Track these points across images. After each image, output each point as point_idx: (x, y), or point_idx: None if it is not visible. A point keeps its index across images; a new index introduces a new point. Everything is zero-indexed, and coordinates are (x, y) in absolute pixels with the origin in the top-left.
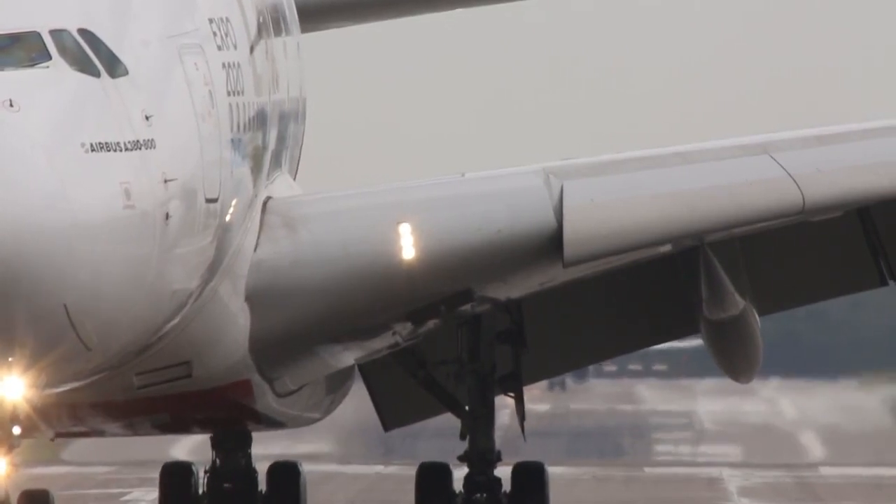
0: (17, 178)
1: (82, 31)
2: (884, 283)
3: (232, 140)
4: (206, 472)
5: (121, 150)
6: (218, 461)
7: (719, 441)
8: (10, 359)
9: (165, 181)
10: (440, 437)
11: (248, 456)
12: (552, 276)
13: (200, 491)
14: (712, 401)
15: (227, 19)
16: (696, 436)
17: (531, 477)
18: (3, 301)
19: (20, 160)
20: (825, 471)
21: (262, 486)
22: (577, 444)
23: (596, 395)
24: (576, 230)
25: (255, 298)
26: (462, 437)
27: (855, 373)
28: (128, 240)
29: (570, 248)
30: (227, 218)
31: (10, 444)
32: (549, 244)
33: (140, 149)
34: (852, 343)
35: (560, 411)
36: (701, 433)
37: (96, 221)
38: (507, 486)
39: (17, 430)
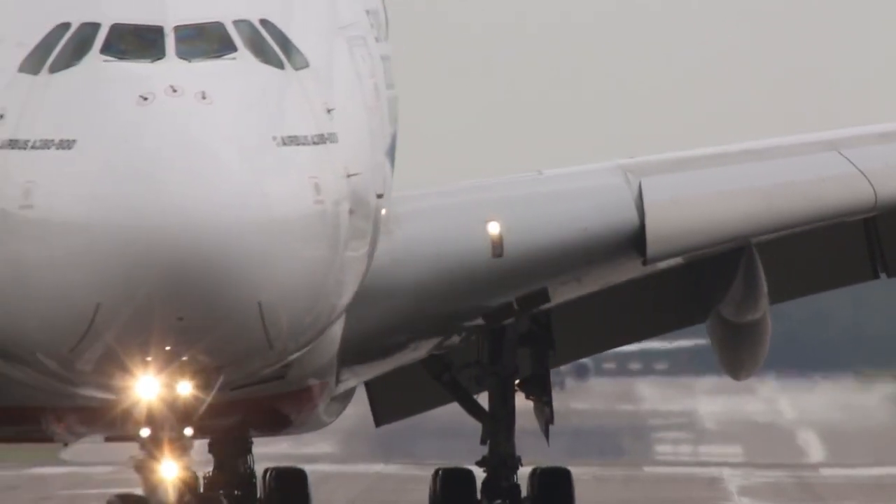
0: (211, 172)
1: (263, 22)
2: (875, 276)
3: (389, 134)
4: (204, 478)
5: (308, 144)
6: (217, 467)
7: (719, 441)
8: (191, 357)
9: (348, 176)
10: (440, 437)
11: (248, 462)
12: (625, 274)
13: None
14: (712, 400)
15: (377, 11)
16: (697, 435)
17: (557, 483)
18: (197, 297)
19: (214, 154)
20: (825, 471)
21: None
22: (577, 443)
23: (596, 394)
24: (658, 227)
25: (355, 297)
26: (483, 441)
27: (855, 372)
28: (318, 236)
29: (652, 245)
30: (382, 214)
31: (183, 446)
32: (630, 242)
33: (325, 143)
34: (852, 343)
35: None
36: (701, 433)
37: (290, 217)
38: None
39: (189, 432)
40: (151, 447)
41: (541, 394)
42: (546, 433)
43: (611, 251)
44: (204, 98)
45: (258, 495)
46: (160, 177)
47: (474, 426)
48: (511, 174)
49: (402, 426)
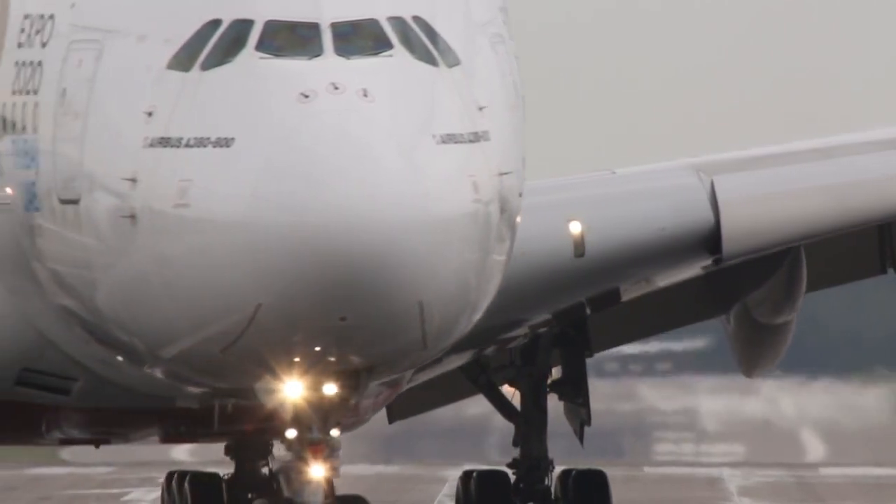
0: (374, 171)
1: (416, 19)
2: (883, 271)
3: (523, 134)
4: (225, 480)
5: (464, 142)
6: (237, 469)
7: (720, 440)
8: (347, 357)
9: (500, 174)
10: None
11: (270, 464)
12: (689, 272)
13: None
14: (713, 400)
15: (506, 9)
16: (697, 435)
17: (593, 486)
18: (362, 297)
19: (377, 152)
20: (825, 470)
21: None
22: (577, 443)
23: (596, 394)
24: (733, 225)
25: None
26: (515, 443)
27: (855, 372)
28: (474, 235)
29: (728, 244)
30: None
31: (331, 447)
32: (703, 240)
33: (479, 141)
34: (852, 343)
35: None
36: (701, 432)
37: (451, 216)
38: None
39: (336, 433)
40: (298, 449)
41: (575, 395)
42: (581, 435)
43: (684, 250)
44: (365, 96)
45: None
46: (323, 175)
47: (474, 427)
48: (584, 173)
49: (402, 426)
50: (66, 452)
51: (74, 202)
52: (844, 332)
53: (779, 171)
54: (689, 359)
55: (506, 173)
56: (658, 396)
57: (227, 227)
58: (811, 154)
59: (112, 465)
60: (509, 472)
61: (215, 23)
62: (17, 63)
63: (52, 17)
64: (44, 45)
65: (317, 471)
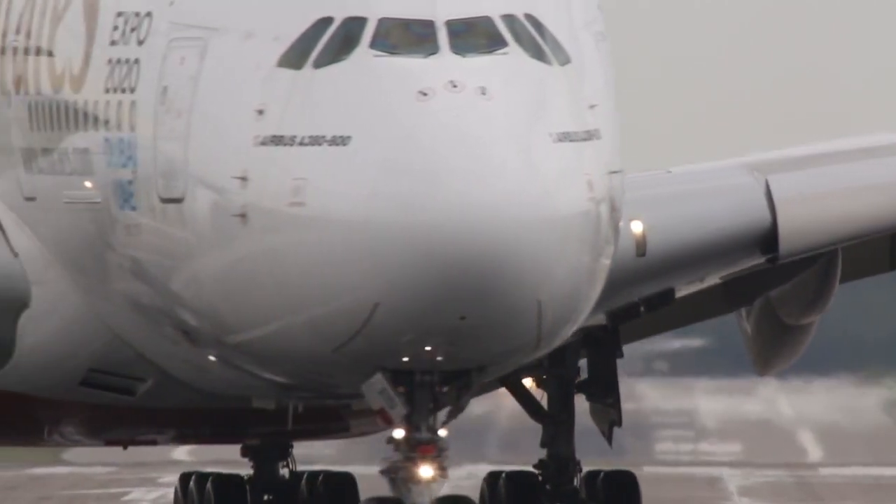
0: (494, 170)
1: (528, 17)
2: (893, 268)
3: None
4: (247, 481)
5: (578, 141)
6: (256, 470)
7: (719, 440)
8: (460, 355)
9: (610, 172)
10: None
11: (290, 466)
12: (739, 270)
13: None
14: (712, 400)
15: (601, 7)
16: (697, 435)
17: (622, 487)
18: (482, 296)
19: (497, 151)
20: (824, 470)
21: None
22: (577, 443)
23: None
24: (790, 224)
25: None
26: (543, 444)
27: (854, 373)
28: (590, 234)
29: (785, 243)
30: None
31: (440, 447)
32: (760, 240)
33: (591, 139)
34: (852, 343)
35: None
36: (701, 432)
37: (568, 214)
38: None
39: (444, 433)
40: (405, 449)
41: (604, 396)
42: (609, 436)
43: (740, 249)
44: (483, 94)
45: (305, 498)
46: (443, 174)
47: (475, 427)
48: (639, 172)
49: None
50: (67, 452)
51: (177, 201)
52: (844, 333)
53: (830, 169)
54: (688, 359)
55: (615, 172)
56: (658, 396)
57: (345, 226)
58: (858, 154)
59: (112, 465)
60: (536, 473)
61: (327, 20)
62: (109, 61)
63: (149, 14)
64: (140, 42)
65: (425, 471)
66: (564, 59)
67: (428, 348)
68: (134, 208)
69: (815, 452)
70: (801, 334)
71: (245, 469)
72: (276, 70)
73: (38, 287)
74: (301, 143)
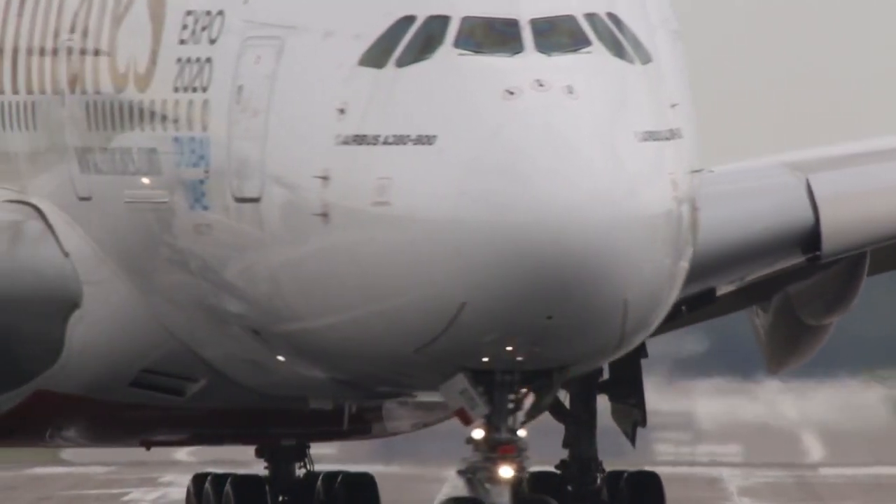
0: (581, 169)
1: (610, 16)
2: None
3: None
4: (267, 482)
5: (661, 140)
6: (272, 470)
7: (719, 441)
8: (544, 355)
9: (691, 171)
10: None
11: (307, 466)
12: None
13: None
14: (712, 401)
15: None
16: (696, 436)
17: (645, 488)
18: (569, 296)
19: (584, 150)
20: (825, 470)
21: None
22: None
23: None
24: (833, 223)
25: None
26: (565, 444)
27: (855, 373)
28: (674, 233)
29: (828, 242)
30: None
31: (519, 448)
32: (802, 239)
33: (674, 138)
34: (852, 343)
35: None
36: (701, 433)
37: (654, 214)
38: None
39: (523, 433)
40: (485, 449)
41: (628, 396)
42: (633, 436)
43: (782, 249)
44: (570, 93)
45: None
46: (531, 173)
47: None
48: None
49: None
50: (67, 452)
51: (253, 200)
52: (844, 333)
53: (870, 168)
54: (688, 359)
55: (695, 171)
56: (658, 397)
57: (432, 225)
58: (893, 153)
59: (112, 465)
60: (558, 473)
61: (409, 19)
62: (179, 60)
63: (221, 13)
64: (212, 41)
65: (505, 471)
66: (645, 58)
67: (510, 348)
68: (206, 208)
69: (815, 452)
70: (819, 334)
71: (249, 468)
72: (357, 69)
73: (91, 287)
74: (385, 143)
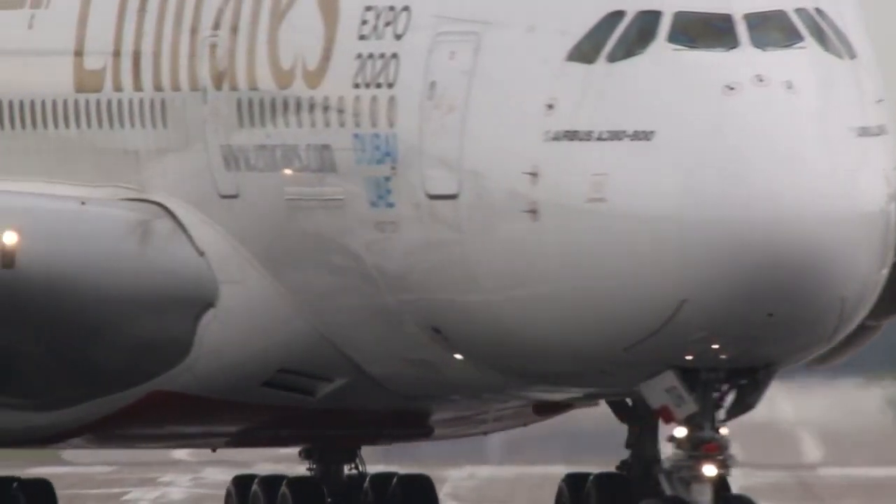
0: (802, 165)
1: (818, 11)
2: None
3: None
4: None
5: (873, 135)
6: (320, 472)
7: None
8: (758, 351)
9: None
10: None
11: (358, 468)
12: None
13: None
14: None
15: None
16: None
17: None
18: (790, 293)
19: (805, 146)
20: (824, 471)
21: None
22: (576, 443)
23: None
24: None
25: None
26: (628, 445)
27: (855, 373)
28: (887, 229)
29: None
30: None
31: (722, 446)
32: None
33: (882, 134)
34: None
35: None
36: None
37: (871, 210)
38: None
39: (725, 432)
40: (688, 447)
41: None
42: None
43: None
44: (790, 88)
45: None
46: (753, 170)
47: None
48: None
49: None
50: (67, 452)
51: (450, 197)
52: None
53: None
54: None
55: None
56: None
57: (651, 222)
58: None
59: (112, 465)
60: (623, 474)
61: (618, 14)
62: (359, 56)
63: (406, 8)
64: (398, 37)
65: (708, 469)
66: (851, 53)
67: (720, 346)
68: (391, 205)
69: (814, 453)
70: (869, 333)
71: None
72: (565, 64)
73: (228, 286)
74: (599, 138)
